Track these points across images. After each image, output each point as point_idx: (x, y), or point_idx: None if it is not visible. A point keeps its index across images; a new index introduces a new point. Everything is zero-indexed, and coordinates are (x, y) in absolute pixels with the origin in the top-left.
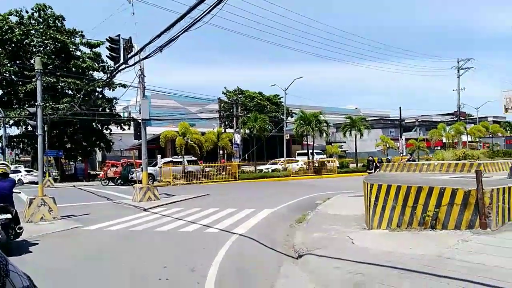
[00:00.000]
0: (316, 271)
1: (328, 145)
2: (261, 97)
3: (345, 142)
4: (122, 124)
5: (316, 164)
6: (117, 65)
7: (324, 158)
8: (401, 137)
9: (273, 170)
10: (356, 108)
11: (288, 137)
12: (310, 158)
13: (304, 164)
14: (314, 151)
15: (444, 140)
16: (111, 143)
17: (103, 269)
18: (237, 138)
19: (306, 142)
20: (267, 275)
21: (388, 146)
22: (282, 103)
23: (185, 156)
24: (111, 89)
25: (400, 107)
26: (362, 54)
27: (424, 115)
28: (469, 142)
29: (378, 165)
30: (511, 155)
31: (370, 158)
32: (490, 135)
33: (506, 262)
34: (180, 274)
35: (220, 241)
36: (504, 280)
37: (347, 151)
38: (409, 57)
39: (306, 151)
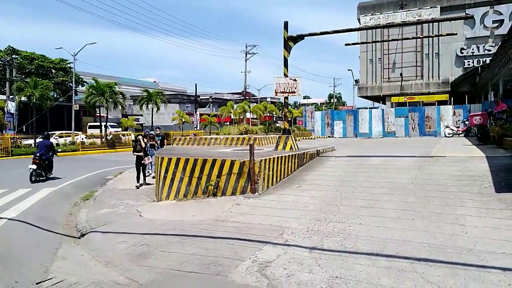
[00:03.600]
0: (100, 248)
1: (124, 118)
2: (44, 59)
3: (142, 115)
4: None
5: (110, 138)
6: None
7: (119, 131)
8: (196, 112)
9: None
10: (155, 82)
11: (78, 108)
12: (104, 131)
13: (86, 138)
14: (108, 123)
15: (232, 116)
16: None
17: None
18: (11, 106)
19: (99, 114)
20: (42, 259)
21: (183, 120)
22: (72, 69)
23: None
24: None
25: (196, 84)
26: (162, 28)
27: (217, 93)
28: (251, 118)
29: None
30: (281, 131)
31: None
32: (269, 113)
33: (266, 219)
34: None
35: None
36: (262, 234)
37: (144, 125)
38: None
39: (99, 124)
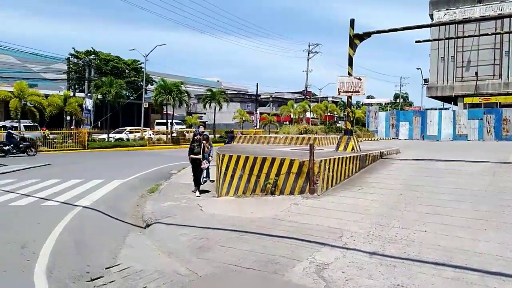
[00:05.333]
0: (163, 239)
1: (188, 116)
2: (118, 60)
3: (205, 113)
4: None
5: (175, 134)
6: None
7: (184, 128)
8: (256, 111)
9: (116, 140)
10: (218, 81)
11: (147, 106)
12: (169, 128)
13: (153, 134)
14: (174, 121)
15: (292, 115)
16: None
17: None
18: (89, 103)
19: (165, 112)
20: (111, 246)
21: (244, 119)
22: (143, 69)
23: (21, 121)
24: None
25: (257, 84)
26: (225, 29)
27: (278, 92)
28: (311, 118)
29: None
30: (341, 131)
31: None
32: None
33: (324, 221)
34: (7, 252)
35: (59, 215)
36: (320, 236)
37: (206, 122)
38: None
39: (165, 121)
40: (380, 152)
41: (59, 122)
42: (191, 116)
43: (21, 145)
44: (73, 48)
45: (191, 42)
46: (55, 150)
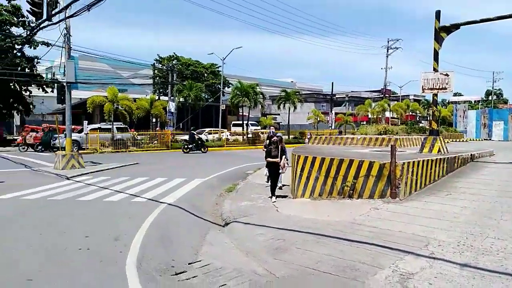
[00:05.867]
0: (241, 238)
1: (263, 117)
2: (197, 64)
3: (279, 114)
4: (44, 86)
5: (250, 135)
6: (39, 22)
7: (258, 129)
8: (331, 111)
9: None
10: (292, 82)
11: (224, 107)
12: (245, 129)
13: (230, 135)
14: (249, 122)
15: (369, 115)
16: (31, 106)
17: (18, 240)
18: (172, 106)
19: (241, 113)
20: (193, 242)
21: (318, 119)
22: (220, 73)
23: (114, 123)
24: (32, 47)
25: (332, 83)
26: (298, 28)
27: (354, 91)
28: (391, 118)
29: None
30: (425, 131)
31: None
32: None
33: (408, 227)
34: (103, 243)
35: (147, 211)
36: (403, 243)
37: (280, 123)
38: (343, 34)
39: (241, 122)
40: (471, 154)
41: (145, 124)
42: (265, 117)
43: (199, 144)
44: (157, 54)
45: (265, 43)
46: (142, 150)
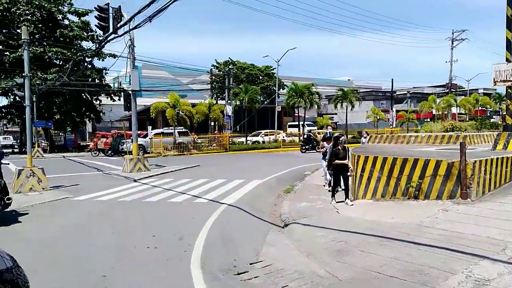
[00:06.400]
0: (301, 239)
1: (319, 117)
2: (252, 68)
3: (336, 113)
4: (112, 95)
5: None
6: (106, 35)
7: (315, 130)
8: (391, 109)
9: (253, 142)
10: (349, 80)
11: (280, 109)
12: (301, 130)
13: (286, 136)
14: (306, 122)
15: (434, 112)
16: (101, 114)
17: (91, 239)
18: (229, 109)
19: (297, 114)
20: (254, 243)
21: (378, 118)
22: (275, 75)
23: (176, 128)
24: (101, 59)
25: (392, 79)
26: (354, 24)
27: (416, 87)
28: (458, 113)
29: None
30: (498, 127)
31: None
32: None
33: (482, 230)
34: (168, 243)
35: (208, 211)
36: (478, 247)
37: (337, 123)
38: (402, 28)
39: (297, 123)
40: None
41: (205, 128)
42: (322, 117)
43: (315, 144)
44: (215, 59)
45: (320, 42)
46: (202, 153)
